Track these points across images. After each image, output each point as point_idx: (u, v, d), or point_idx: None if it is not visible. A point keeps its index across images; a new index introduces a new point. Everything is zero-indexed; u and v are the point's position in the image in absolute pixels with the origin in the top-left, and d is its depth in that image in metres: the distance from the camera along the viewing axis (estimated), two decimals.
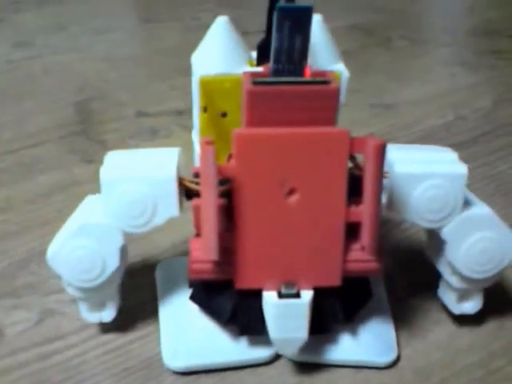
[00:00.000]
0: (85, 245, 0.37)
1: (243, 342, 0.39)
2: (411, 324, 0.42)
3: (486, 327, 0.42)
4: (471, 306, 0.41)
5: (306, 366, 0.39)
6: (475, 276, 0.38)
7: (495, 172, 0.60)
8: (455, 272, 0.39)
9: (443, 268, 0.40)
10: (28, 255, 0.49)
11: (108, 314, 0.40)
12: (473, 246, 0.37)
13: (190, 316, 0.40)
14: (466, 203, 0.38)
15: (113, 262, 0.37)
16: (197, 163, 0.40)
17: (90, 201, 0.39)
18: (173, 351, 0.39)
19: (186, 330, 0.40)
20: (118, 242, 0.37)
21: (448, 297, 0.41)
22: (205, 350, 0.39)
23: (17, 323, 0.43)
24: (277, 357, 0.40)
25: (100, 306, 0.40)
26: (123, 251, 0.38)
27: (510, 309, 0.44)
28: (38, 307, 0.44)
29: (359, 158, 0.35)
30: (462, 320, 0.42)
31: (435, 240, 0.39)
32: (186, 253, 0.38)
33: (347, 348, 0.39)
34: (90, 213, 0.37)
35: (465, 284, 0.39)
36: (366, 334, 0.40)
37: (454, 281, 0.40)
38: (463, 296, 0.41)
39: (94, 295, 0.39)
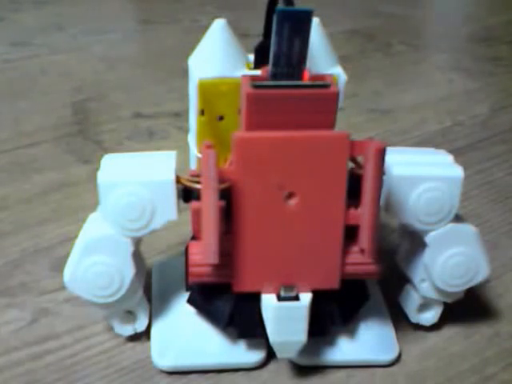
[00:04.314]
0: (97, 261, 0.36)
1: (234, 344, 0.39)
2: (405, 329, 0.42)
3: (481, 334, 0.43)
4: (429, 317, 0.42)
5: (300, 370, 0.39)
6: (443, 287, 0.39)
7: (492, 179, 0.60)
8: (427, 279, 0.40)
9: (415, 274, 0.40)
10: (23, 254, 0.49)
11: (141, 324, 0.40)
12: (451, 257, 0.38)
13: (182, 316, 0.40)
14: (458, 218, 0.38)
15: (129, 271, 0.37)
16: (193, 166, 0.41)
17: (92, 219, 0.38)
18: (162, 350, 0.39)
19: (176, 330, 0.40)
20: (128, 249, 0.37)
21: (409, 304, 0.42)
22: (194, 350, 0.39)
23: (10, 322, 0.42)
24: (267, 360, 0.40)
25: (131, 317, 0.40)
26: (136, 256, 0.38)
27: (504, 316, 0.44)
28: (31, 307, 0.44)
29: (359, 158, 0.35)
30: (457, 326, 0.43)
31: (413, 244, 0.40)
32: (181, 254, 0.38)
33: (348, 348, 0.40)
34: (93, 229, 0.37)
35: (432, 293, 0.40)
36: (365, 333, 0.40)
37: (423, 288, 0.40)
38: (424, 306, 0.41)
39: (121, 308, 0.39)
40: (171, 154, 0.37)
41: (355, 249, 0.36)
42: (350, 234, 0.35)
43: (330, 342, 0.40)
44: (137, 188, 0.35)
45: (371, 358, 0.40)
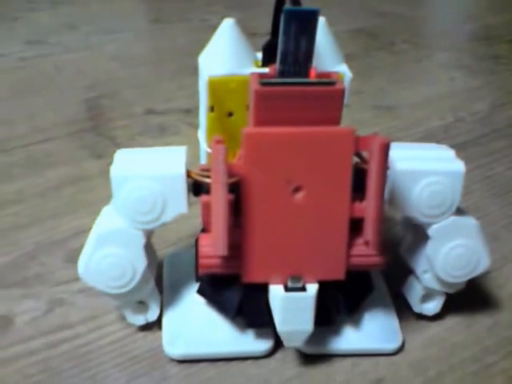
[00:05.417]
0: (110, 253, 0.37)
1: (243, 333, 0.40)
2: (408, 319, 0.43)
3: (481, 324, 0.43)
4: (431, 307, 0.42)
5: (306, 358, 0.40)
6: (446, 278, 0.39)
7: (492, 173, 0.61)
8: (429, 270, 0.40)
9: (418, 265, 0.41)
10: (38, 246, 0.49)
11: (152, 314, 0.41)
12: (453, 249, 0.39)
13: (192, 307, 0.41)
14: (459, 211, 0.39)
15: (141, 262, 0.37)
16: (203, 161, 0.41)
17: (105, 212, 0.39)
18: (172, 339, 0.40)
19: (187, 320, 0.41)
20: (140, 241, 0.37)
21: (412, 294, 0.42)
22: (204, 339, 0.40)
23: (26, 312, 0.43)
24: (275, 349, 0.40)
25: (143, 307, 0.41)
26: (148, 248, 0.38)
27: (504, 306, 0.45)
28: (46, 297, 0.44)
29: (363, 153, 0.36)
30: (458, 316, 0.43)
31: (416, 236, 0.40)
32: (191, 246, 0.38)
33: (353, 338, 0.40)
34: (106, 222, 0.37)
35: (434, 284, 0.41)
36: (370, 323, 0.41)
37: (425, 279, 0.41)
38: (427, 297, 0.42)
39: (133, 298, 0.40)
40: (182, 149, 0.37)
41: (360, 241, 0.36)
42: (355, 226, 0.36)
43: (336, 331, 0.40)
44: (148, 182, 0.35)
45: (375, 346, 0.40)
